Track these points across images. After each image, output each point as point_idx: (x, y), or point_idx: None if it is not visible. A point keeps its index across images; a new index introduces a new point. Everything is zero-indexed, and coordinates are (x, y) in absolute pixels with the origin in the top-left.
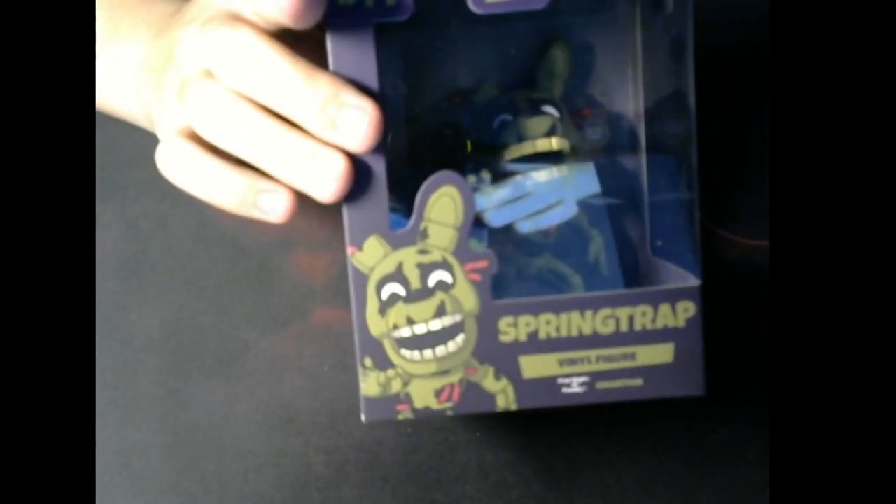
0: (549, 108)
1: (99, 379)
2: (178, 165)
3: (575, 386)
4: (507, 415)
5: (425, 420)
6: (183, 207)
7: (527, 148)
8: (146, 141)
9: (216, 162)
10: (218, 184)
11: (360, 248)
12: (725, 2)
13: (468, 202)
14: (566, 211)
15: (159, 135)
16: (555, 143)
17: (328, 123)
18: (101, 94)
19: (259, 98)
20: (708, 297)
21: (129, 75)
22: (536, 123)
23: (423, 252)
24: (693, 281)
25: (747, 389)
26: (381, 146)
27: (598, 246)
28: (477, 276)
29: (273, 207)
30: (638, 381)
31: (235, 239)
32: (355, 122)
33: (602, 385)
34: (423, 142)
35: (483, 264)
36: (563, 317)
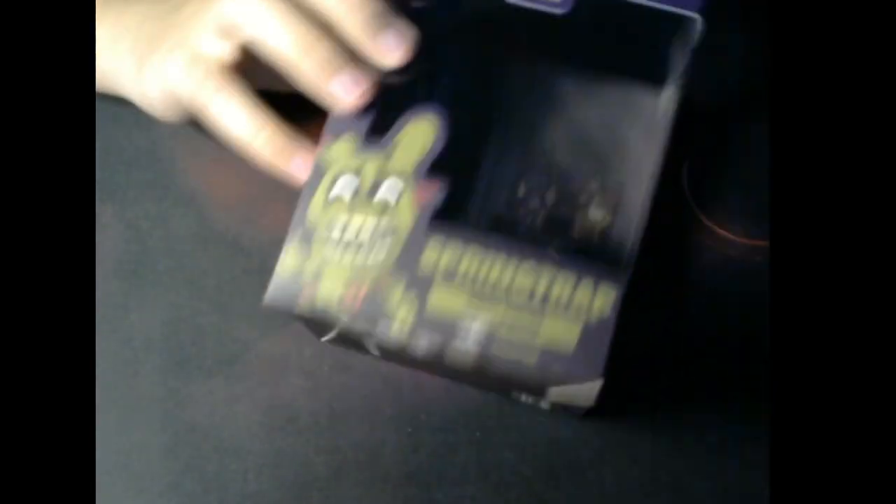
0: None
1: (99, 379)
2: (220, 100)
3: (470, 340)
4: (506, 414)
5: (425, 419)
6: (183, 207)
7: None
8: (146, 141)
9: (260, 105)
10: (252, 127)
11: (334, 140)
12: (725, 2)
13: (441, 135)
14: None
15: (159, 69)
16: None
17: (371, 34)
18: (102, 51)
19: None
20: (707, 297)
21: (132, 28)
22: None
23: (384, 163)
24: (619, 279)
25: (747, 389)
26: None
27: None
28: (423, 199)
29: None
30: (533, 358)
31: (235, 239)
32: (395, 42)
33: (496, 351)
34: None
35: (434, 188)
36: (489, 257)
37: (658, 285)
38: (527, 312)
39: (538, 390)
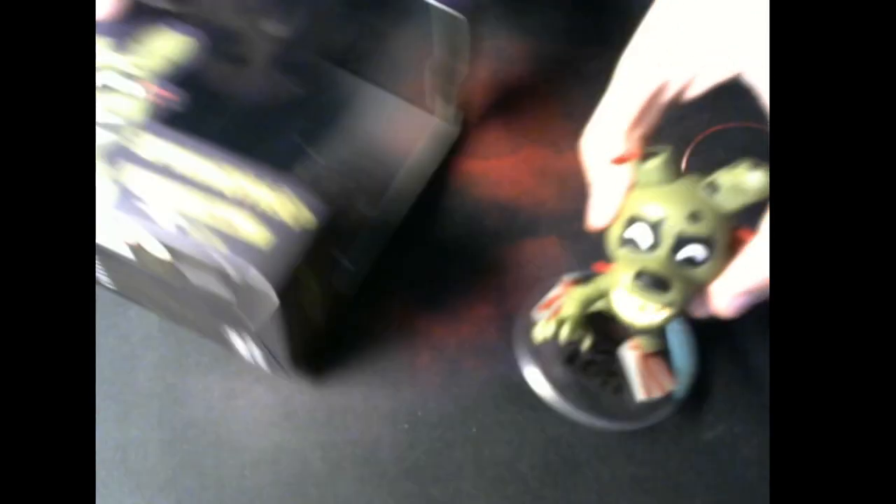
0: None
1: (98, 374)
2: None
3: (171, 224)
4: (503, 412)
5: (421, 416)
6: None
7: None
8: None
9: None
10: None
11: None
12: None
13: (192, 55)
14: None
15: None
16: None
17: None
18: None
19: None
20: None
21: None
22: None
23: (130, 64)
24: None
25: (743, 387)
26: None
27: None
28: (161, 101)
29: None
30: (224, 249)
31: None
32: None
33: (195, 234)
34: None
35: (172, 97)
36: (200, 159)
37: None
38: (226, 208)
39: (233, 313)
